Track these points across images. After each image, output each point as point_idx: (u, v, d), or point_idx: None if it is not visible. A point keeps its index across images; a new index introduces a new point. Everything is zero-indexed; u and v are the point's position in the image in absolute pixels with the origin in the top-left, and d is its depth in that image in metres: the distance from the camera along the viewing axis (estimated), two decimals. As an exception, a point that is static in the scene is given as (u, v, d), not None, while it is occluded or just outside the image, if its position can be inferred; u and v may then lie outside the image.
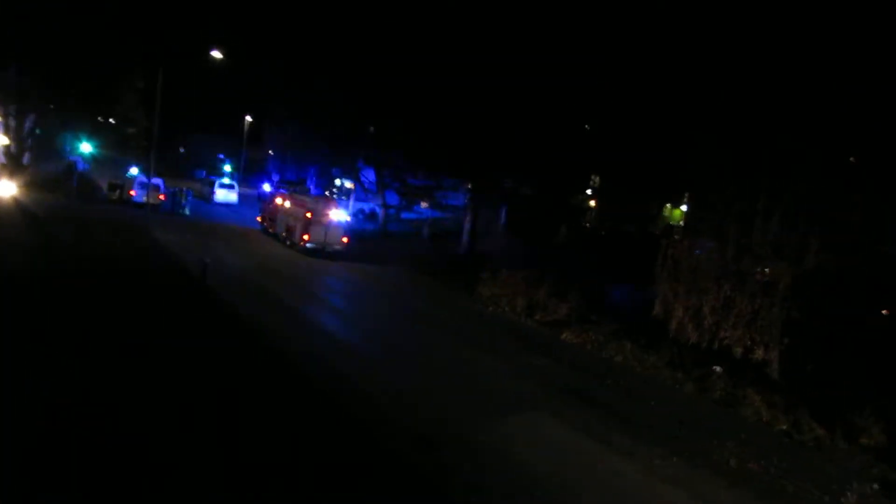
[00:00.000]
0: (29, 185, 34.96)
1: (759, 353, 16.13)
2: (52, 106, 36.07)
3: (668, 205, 55.17)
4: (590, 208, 54.76)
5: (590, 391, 15.01)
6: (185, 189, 40.96)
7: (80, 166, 42.25)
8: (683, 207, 50.16)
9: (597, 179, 54.39)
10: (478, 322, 21.13)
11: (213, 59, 41.55)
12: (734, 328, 17.40)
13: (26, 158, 33.97)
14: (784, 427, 13.96)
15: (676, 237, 29.32)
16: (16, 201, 31.13)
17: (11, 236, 23.02)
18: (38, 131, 38.68)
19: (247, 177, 64.75)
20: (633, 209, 52.18)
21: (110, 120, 46.90)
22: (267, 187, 51.73)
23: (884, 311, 20.43)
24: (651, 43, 30.86)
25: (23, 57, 32.94)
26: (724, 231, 18.92)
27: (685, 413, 14.24)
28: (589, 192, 54.61)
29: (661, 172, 40.87)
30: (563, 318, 21.04)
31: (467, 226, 36.95)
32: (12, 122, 33.98)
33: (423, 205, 46.28)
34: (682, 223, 45.29)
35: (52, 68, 34.23)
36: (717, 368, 16.44)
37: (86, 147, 41.37)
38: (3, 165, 36.18)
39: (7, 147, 33.74)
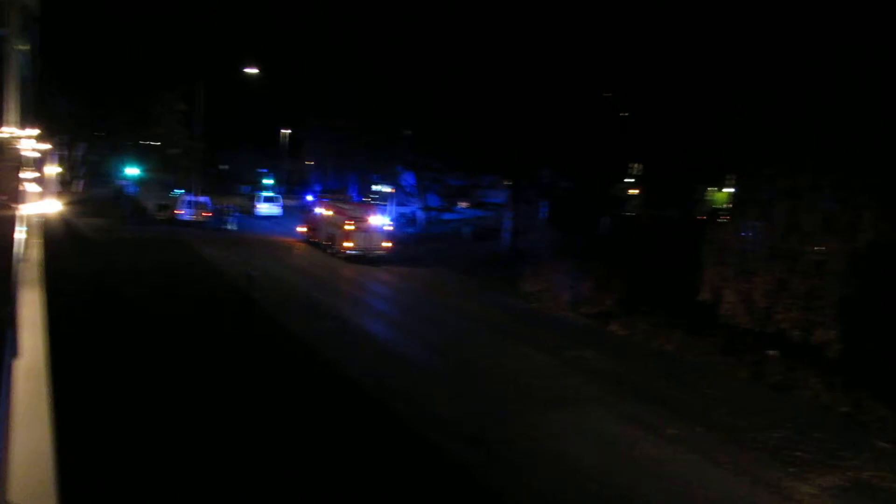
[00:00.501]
0: (83, 210, 36.29)
1: (815, 336, 15.67)
2: (100, 133, 37.35)
3: (713, 188, 53.96)
4: (631, 197, 53.95)
5: (640, 382, 14.88)
6: (229, 205, 41.92)
7: (129, 189, 43.66)
8: (728, 189, 49.03)
9: (637, 167, 53.58)
10: (522, 318, 21.12)
11: (250, 75, 42.50)
12: (788, 310, 16.93)
13: (79, 185, 35.28)
14: (845, 409, 13.59)
15: (722, 219, 28.79)
16: (65, 221, 32.31)
17: (65, 261, 23.93)
18: (88, 158, 40.05)
19: (289, 189, 65.84)
20: (677, 195, 51.20)
21: (154, 143, 48.23)
22: (309, 198, 52.56)
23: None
24: (685, 17, 30.25)
25: (71, 88, 34.16)
26: (771, 210, 18.45)
27: (741, 400, 14.01)
28: (630, 180, 53.83)
29: (703, 154, 39.98)
30: (609, 309, 20.85)
31: (508, 223, 36.88)
32: (65, 152, 35.29)
33: (463, 205, 46.34)
34: (727, 206, 44.28)
35: (99, 97, 35.42)
36: (772, 352, 16.07)
37: (133, 171, 42.74)
38: (59, 193, 37.65)
39: (61, 175, 35.11)
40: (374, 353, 15.83)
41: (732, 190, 42.52)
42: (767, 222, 18.55)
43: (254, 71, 41.83)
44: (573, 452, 10.77)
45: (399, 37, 37.89)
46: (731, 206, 38.06)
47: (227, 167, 74.52)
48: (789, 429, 12.40)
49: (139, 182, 45.56)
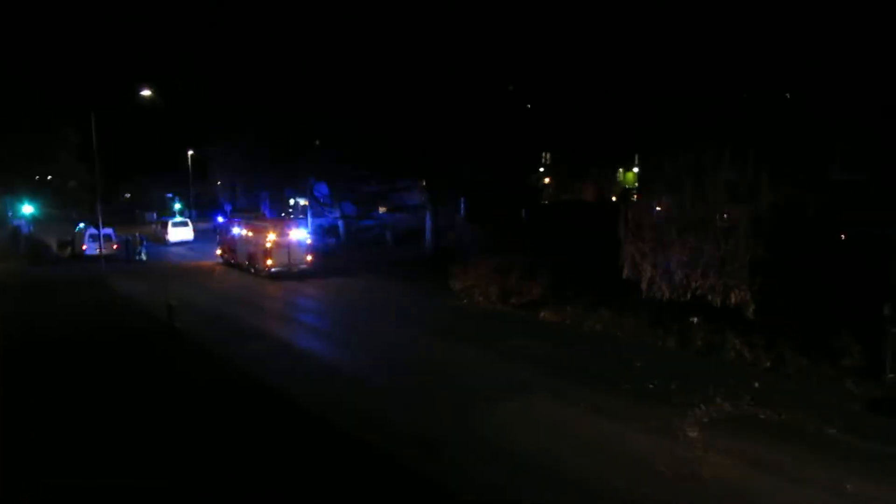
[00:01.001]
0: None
1: (732, 298, 16.38)
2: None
3: (621, 169, 55.83)
4: (546, 186, 55.12)
5: (574, 364, 15.14)
6: (138, 234, 40.05)
7: (25, 229, 41.02)
8: (636, 170, 50.84)
9: (548, 156, 54.80)
10: (455, 315, 21.13)
11: (144, 97, 40.69)
12: (704, 277, 17.62)
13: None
14: (768, 364, 14.26)
15: (634, 198, 29.77)
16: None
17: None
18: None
19: (199, 212, 63.60)
20: (588, 179, 52.82)
21: (49, 178, 45.64)
22: (221, 219, 50.99)
23: (842, 236, 20.99)
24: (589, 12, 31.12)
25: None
26: (678, 184, 19.17)
27: (671, 368, 14.43)
28: (542, 170, 54.98)
29: (609, 138, 41.34)
30: (538, 298, 21.16)
31: (429, 223, 36.89)
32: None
33: (381, 209, 46.05)
34: (636, 185, 45.87)
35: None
36: (694, 319, 16.70)
37: (28, 209, 40.18)
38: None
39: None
40: (309, 369, 15.43)
41: (638, 170, 44.19)
42: (676, 197, 19.28)
43: (147, 93, 39.97)
44: (516, 440, 10.81)
45: (299, 45, 37.19)
46: (639, 185, 39.56)
47: (129, 196, 71.51)
48: (716, 388, 12.86)
49: (37, 220, 42.89)
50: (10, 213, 40.53)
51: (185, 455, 10.29)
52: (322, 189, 46.35)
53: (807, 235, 19.51)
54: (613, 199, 46.32)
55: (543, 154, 53.40)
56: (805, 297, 15.63)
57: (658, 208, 20.29)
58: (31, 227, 43.46)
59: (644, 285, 18.52)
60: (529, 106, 42.61)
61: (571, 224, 34.70)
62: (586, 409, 12.06)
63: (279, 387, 13.63)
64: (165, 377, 14.75)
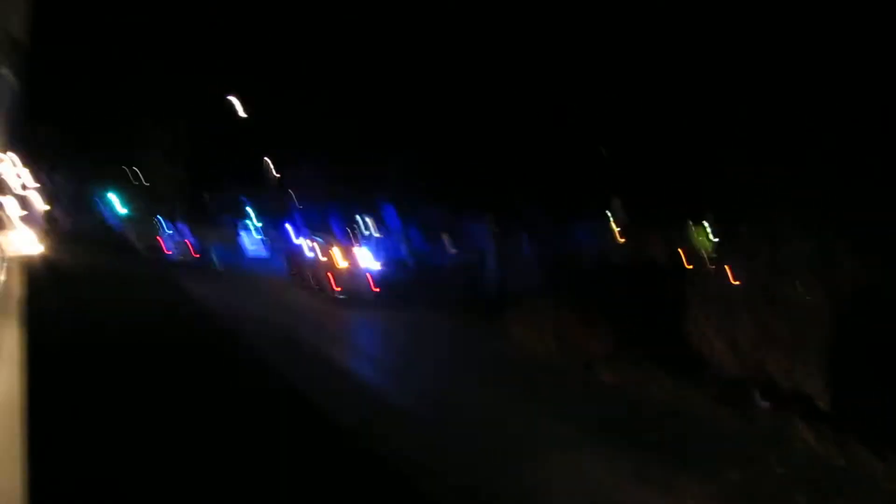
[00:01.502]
0: (67, 244, 35.88)
1: (805, 384, 15.69)
2: (85, 169, 37.18)
3: (693, 226, 54.50)
4: (614, 235, 54.33)
5: (629, 429, 14.74)
6: (214, 242, 41.64)
7: (114, 224, 43.25)
8: (708, 229, 49.55)
9: (618, 203, 54.10)
10: (509, 363, 20.99)
11: (231, 105, 42.67)
12: (775, 356, 17.00)
13: (63, 218, 34.95)
14: (839, 462, 13.54)
15: (704, 262, 29.03)
16: (48, 256, 31.83)
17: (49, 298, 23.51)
18: (74, 190, 39.68)
19: (272, 223, 65.58)
20: (658, 232, 51.64)
21: (140, 176, 48.01)
22: (296, 238, 52.27)
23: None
24: (665, 49, 30.75)
25: (57, 119, 34.06)
26: (753, 251, 18.62)
27: (732, 448, 13.88)
28: (611, 219, 54.29)
29: (681, 192, 40.49)
30: (598, 354, 20.77)
31: (492, 262, 36.90)
32: (49, 183, 35.05)
33: (447, 242, 46.33)
34: (708, 248, 44.68)
35: (85, 130, 35.34)
36: (764, 404, 16.03)
37: (117, 204, 42.45)
38: (43, 225, 37.26)
39: (47, 211, 34.81)
40: (361, 400, 15.62)
41: (711, 232, 43.04)
42: (749, 264, 18.70)
43: (236, 103, 42.02)
44: (560, 501, 10.62)
45: (383, 74, 38.29)
46: (713, 248, 38.50)
47: (211, 200, 74.24)
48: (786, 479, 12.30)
49: (127, 219, 45.16)
50: (104, 212, 42.87)
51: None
52: (392, 218, 47.13)
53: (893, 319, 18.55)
54: (681, 252, 45.20)
55: (613, 203, 52.78)
56: (888, 390, 14.83)
57: (730, 275, 19.78)
58: (122, 226, 45.70)
59: (710, 357, 18.01)
60: (603, 152, 42.32)
61: (638, 279, 34.04)
62: (635, 478, 11.74)
63: (332, 415, 13.84)
64: (226, 391, 15.15)
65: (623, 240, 53.72)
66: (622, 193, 50.78)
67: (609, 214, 53.30)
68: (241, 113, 47.14)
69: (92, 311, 22.33)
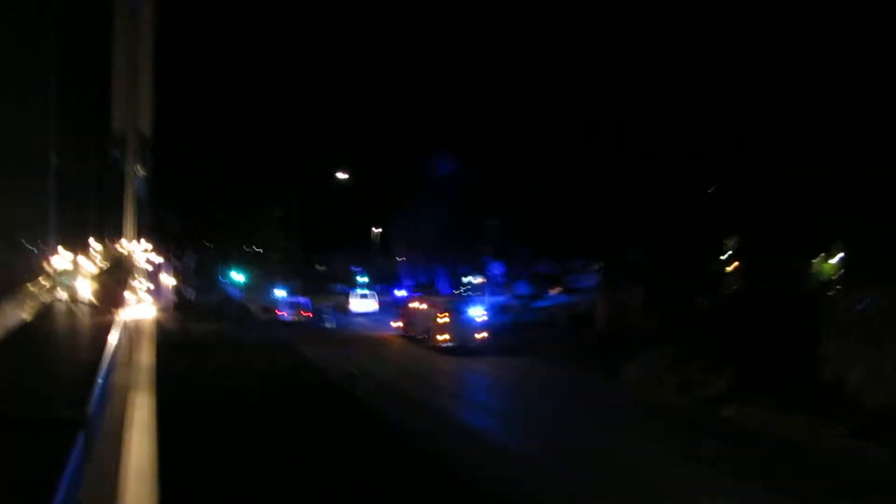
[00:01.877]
0: (195, 316, 38.51)
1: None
2: (209, 244, 40.02)
3: (820, 257, 50.91)
4: (731, 273, 51.68)
5: (760, 470, 13.66)
6: (327, 304, 43.31)
7: (235, 294, 46.03)
8: (836, 259, 46.10)
9: (733, 242, 51.52)
10: (626, 407, 20.13)
11: (339, 180, 44.85)
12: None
13: (190, 293, 37.61)
14: None
15: (838, 289, 26.92)
16: (178, 327, 34.14)
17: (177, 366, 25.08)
18: (198, 267, 42.65)
19: (381, 285, 67.53)
20: (779, 268, 48.53)
21: (257, 249, 50.95)
22: (401, 293, 53.55)
23: None
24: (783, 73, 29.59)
25: (182, 205, 36.97)
26: (892, 275, 17.17)
27: (882, 489, 12.53)
28: (727, 256, 51.76)
29: (806, 225, 38.09)
30: (720, 393, 19.58)
31: (602, 308, 36.01)
32: (177, 263, 37.92)
33: (555, 291, 45.78)
34: (836, 276, 41.50)
35: (206, 213, 38.13)
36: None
37: (238, 276, 45.23)
38: (174, 301, 40.26)
39: (175, 284, 37.63)
40: (478, 450, 15.41)
41: (839, 259, 39.93)
42: (889, 288, 17.26)
43: (343, 176, 44.26)
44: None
45: (481, 130, 39.05)
46: (841, 276, 35.73)
47: (323, 268, 77.48)
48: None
49: (244, 286, 48.06)
50: (224, 281, 45.90)
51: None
52: (497, 268, 47.27)
53: None
54: (810, 290, 42.09)
55: (729, 240, 50.39)
56: None
57: (866, 302, 18.26)
58: (241, 294, 48.66)
59: (848, 389, 16.54)
60: (714, 188, 40.77)
61: (759, 316, 32.08)
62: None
63: (453, 467, 13.71)
64: (345, 446, 15.39)
65: (738, 276, 51.13)
66: (735, 230, 48.62)
67: (722, 252, 51.01)
68: (348, 183, 49.52)
69: (216, 377, 23.64)
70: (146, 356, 5.62)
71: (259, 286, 49.31)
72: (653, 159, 33.14)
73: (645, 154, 32.70)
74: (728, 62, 30.63)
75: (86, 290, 1.91)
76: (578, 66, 33.89)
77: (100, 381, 1.02)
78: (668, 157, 33.84)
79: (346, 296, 54.99)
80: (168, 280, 40.43)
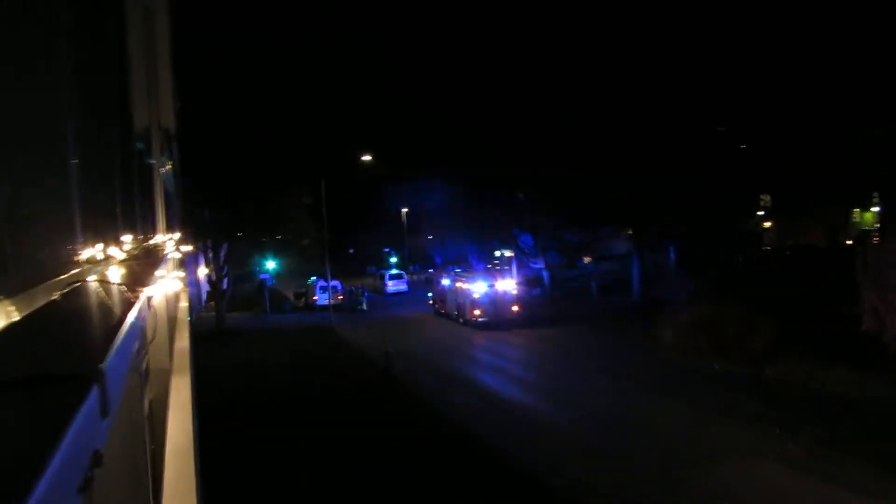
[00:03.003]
0: (230, 305, 39.20)
1: None
2: (240, 234, 40.46)
3: (857, 209, 49.67)
4: (766, 230, 50.75)
5: (806, 427, 13.49)
6: (360, 286, 43.70)
7: (269, 282, 46.65)
8: (876, 209, 44.94)
9: (769, 199, 50.49)
10: (663, 370, 20.00)
11: (365, 163, 44.92)
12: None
13: (224, 283, 38.22)
14: None
15: (875, 241, 26.28)
16: (214, 316, 34.80)
17: (216, 351, 25.63)
18: (230, 257, 43.24)
19: (412, 264, 67.90)
20: (816, 221, 47.51)
21: (288, 237, 51.38)
22: (431, 271, 53.80)
23: None
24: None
25: (210, 196, 37.38)
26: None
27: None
28: (762, 213, 50.78)
29: (842, 175, 37.09)
30: (759, 352, 19.31)
31: (635, 272, 35.71)
32: (210, 254, 38.47)
33: (586, 259, 45.44)
34: (876, 226, 40.48)
35: (235, 203, 38.54)
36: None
37: (271, 264, 45.77)
38: (208, 291, 40.94)
39: (208, 275, 38.24)
40: (515, 422, 15.50)
41: (878, 210, 38.86)
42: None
43: (368, 158, 44.36)
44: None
45: (511, 101, 38.62)
46: (881, 225, 34.85)
47: (353, 251, 78.06)
48: None
49: (277, 274, 48.70)
50: (257, 269, 46.48)
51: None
52: (526, 240, 47.01)
53: None
54: (848, 242, 41.17)
55: (763, 196, 49.37)
56: None
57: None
58: (274, 281, 49.32)
59: (888, 339, 16.20)
60: (744, 146, 39.88)
61: (796, 271, 31.56)
62: (823, 479, 10.68)
63: (488, 440, 13.82)
64: (382, 427, 15.60)
65: (773, 232, 50.19)
66: (773, 188, 47.51)
67: (756, 210, 50.03)
68: (374, 165, 49.57)
69: (251, 361, 24.15)
70: (183, 341, 5.76)
71: (292, 273, 49.89)
72: (681, 119, 32.50)
73: (673, 114, 32.05)
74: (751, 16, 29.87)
75: (116, 275, 1.97)
76: (607, 31, 33.33)
77: (119, 342, 1.05)
78: (697, 116, 33.19)
79: (379, 277, 55.40)
80: (202, 270, 41.20)
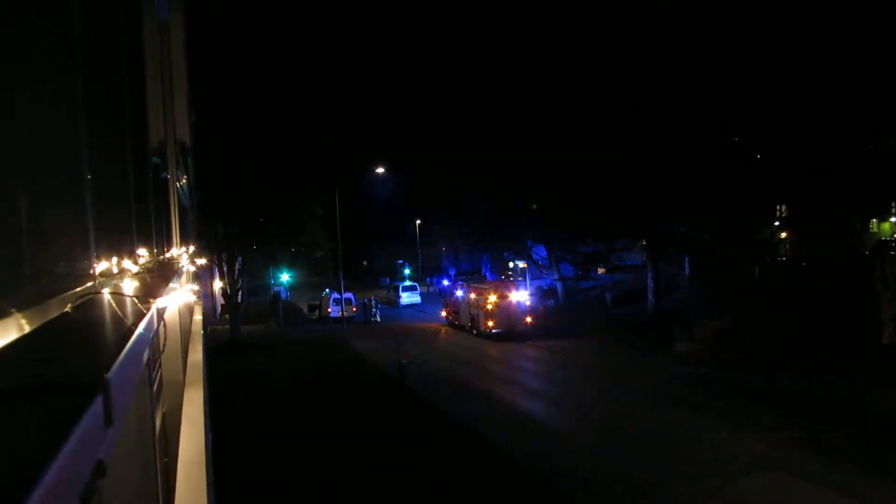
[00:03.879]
0: (245, 318, 39.38)
1: None
2: (254, 247, 40.69)
3: (875, 220, 49.17)
4: (782, 241, 50.27)
5: (822, 439, 13.31)
6: (373, 298, 43.77)
7: (282, 294, 46.90)
8: (894, 219, 44.47)
9: (783, 209, 50.09)
10: (679, 381, 19.81)
11: (379, 175, 45.17)
12: None
13: (239, 295, 38.39)
14: None
15: (892, 252, 25.95)
16: (229, 328, 34.97)
17: (230, 364, 25.72)
18: (245, 270, 43.50)
19: (426, 276, 67.98)
20: (833, 231, 47.03)
21: (301, 249, 51.63)
22: (445, 282, 53.76)
23: None
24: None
25: (224, 210, 37.69)
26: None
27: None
28: (777, 224, 50.35)
29: (858, 185, 36.74)
30: (776, 363, 19.11)
31: (650, 284, 35.48)
32: (224, 268, 38.69)
33: (600, 270, 45.27)
34: (894, 235, 40.00)
35: (249, 216, 38.82)
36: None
37: (285, 277, 46.03)
38: (222, 305, 41.17)
39: (223, 288, 38.42)
40: (528, 434, 15.40)
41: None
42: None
43: (381, 170, 44.70)
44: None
45: (527, 110, 38.70)
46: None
47: (366, 262, 78.31)
48: None
49: (291, 286, 49.01)
50: (271, 281, 46.78)
51: None
52: (540, 251, 46.93)
53: None
54: (866, 253, 40.70)
55: (778, 207, 48.97)
56: None
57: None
58: (288, 293, 49.64)
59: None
60: (759, 156, 39.62)
61: (812, 282, 31.19)
62: (843, 495, 10.50)
63: (503, 452, 13.74)
64: (398, 437, 15.58)
65: (790, 242, 49.70)
66: (789, 199, 47.11)
67: (773, 220, 49.60)
68: (388, 178, 49.96)
69: (265, 373, 24.22)
70: (196, 354, 5.78)
71: (306, 284, 50.16)
72: (697, 128, 32.36)
73: (689, 123, 31.92)
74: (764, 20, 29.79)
75: (129, 287, 1.99)
76: (618, 33, 33.37)
77: (126, 351, 1.06)
78: (713, 125, 33.04)
79: (392, 289, 55.51)
80: (216, 284, 41.44)
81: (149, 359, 2.17)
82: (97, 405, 0.84)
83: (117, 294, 1.95)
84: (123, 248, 3.06)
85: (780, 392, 17.50)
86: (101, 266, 2.39)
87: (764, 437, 13.68)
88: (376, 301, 43.31)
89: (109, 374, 0.93)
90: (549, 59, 36.96)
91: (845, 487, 10.69)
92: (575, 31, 35.83)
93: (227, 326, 36.92)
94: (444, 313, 37.70)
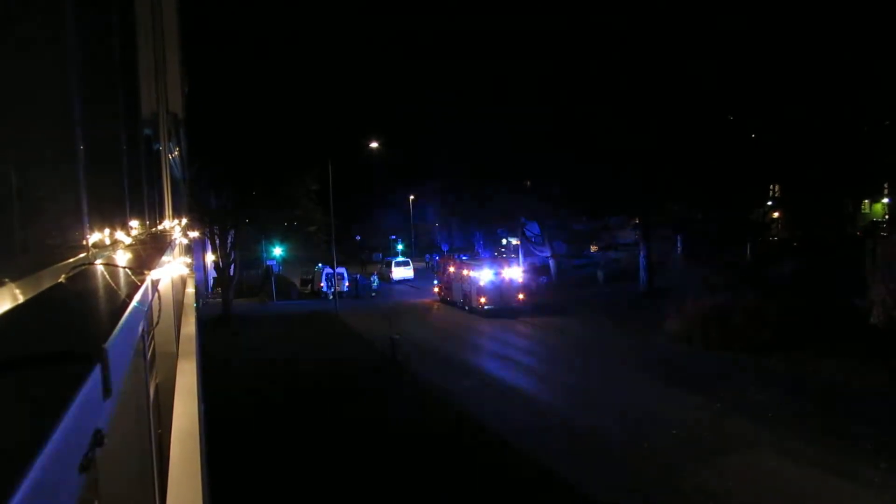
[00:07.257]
0: (237, 291, 39.39)
1: None
2: (247, 220, 40.58)
3: (867, 201, 49.34)
4: (774, 220, 50.41)
5: (807, 418, 13.50)
6: (366, 273, 43.84)
7: (275, 268, 46.83)
8: (886, 200, 44.65)
9: (776, 188, 50.18)
10: (668, 359, 20.00)
11: (372, 149, 44.91)
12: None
13: (231, 269, 38.34)
14: None
15: (883, 234, 26.16)
16: (221, 302, 34.97)
17: (223, 338, 25.78)
18: (237, 243, 43.42)
19: (419, 251, 68.01)
20: (825, 212, 47.18)
21: (294, 223, 51.46)
22: (439, 258, 53.82)
23: None
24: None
25: (217, 182, 37.45)
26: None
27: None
28: (770, 203, 50.47)
29: (851, 166, 36.82)
30: (765, 342, 19.29)
31: (642, 262, 35.62)
32: (217, 241, 38.60)
33: (593, 248, 45.40)
34: (886, 217, 40.19)
35: (242, 189, 38.62)
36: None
37: (277, 251, 45.94)
38: (215, 278, 41.16)
39: (216, 261, 38.40)
40: (517, 410, 15.56)
41: (888, 200, 38.53)
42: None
43: (375, 144, 44.45)
44: (746, 500, 9.88)
45: (520, 87, 38.48)
46: (889, 217, 34.57)
47: (359, 237, 78.22)
48: None
49: (284, 260, 48.91)
50: (263, 255, 46.67)
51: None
52: (533, 228, 46.96)
53: None
54: (857, 234, 40.95)
55: (771, 186, 49.05)
56: None
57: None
58: (280, 267, 49.57)
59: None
60: (753, 135, 39.59)
61: (803, 262, 31.42)
62: (822, 472, 10.69)
63: (493, 429, 13.90)
64: (385, 416, 15.71)
65: (782, 222, 49.89)
66: (782, 179, 47.19)
67: (765, 200, 49.70)
68: (381, 152, 49.64)
69: (258, 347, 24.31)
70: (189, 326, 5.79)
71: (299, 259, 50.09)
72: (690, 107, 32.28)
73: (682, 102, 31.83)
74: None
75: (122, 259, 1.99)
76: (612, 8, 33.16)
77: (122, 322, 1.06)
78: (706, 104, 32.95)
79: (385, 264, 55.53)
80: (209, 257, 41.35)
81: (143, 330, 2.17)
82: (96, 375, 0.85)
83: (111, 265, 1.95)
84: (116, 219, 3.05)
85: (768, 371, 17.71)
86: (93, 237, 2.39)
87: (750, 415, 13.86)
88: (370, 276, 43.39)
89: (107, 345, 0.93)
90: (544, 33, 36.65)
91: (830, 466, 10.88)
92: (569, 5, 35.50)
93: (220, 300, 36.95)
94: (436, 289, 37.79)
